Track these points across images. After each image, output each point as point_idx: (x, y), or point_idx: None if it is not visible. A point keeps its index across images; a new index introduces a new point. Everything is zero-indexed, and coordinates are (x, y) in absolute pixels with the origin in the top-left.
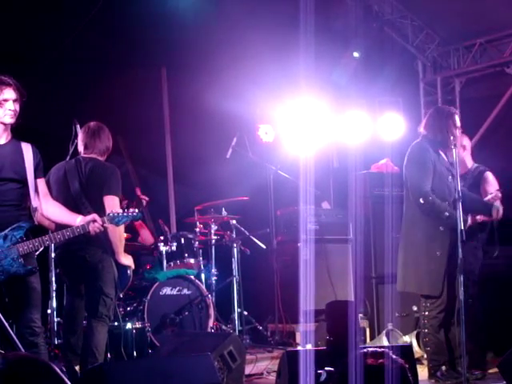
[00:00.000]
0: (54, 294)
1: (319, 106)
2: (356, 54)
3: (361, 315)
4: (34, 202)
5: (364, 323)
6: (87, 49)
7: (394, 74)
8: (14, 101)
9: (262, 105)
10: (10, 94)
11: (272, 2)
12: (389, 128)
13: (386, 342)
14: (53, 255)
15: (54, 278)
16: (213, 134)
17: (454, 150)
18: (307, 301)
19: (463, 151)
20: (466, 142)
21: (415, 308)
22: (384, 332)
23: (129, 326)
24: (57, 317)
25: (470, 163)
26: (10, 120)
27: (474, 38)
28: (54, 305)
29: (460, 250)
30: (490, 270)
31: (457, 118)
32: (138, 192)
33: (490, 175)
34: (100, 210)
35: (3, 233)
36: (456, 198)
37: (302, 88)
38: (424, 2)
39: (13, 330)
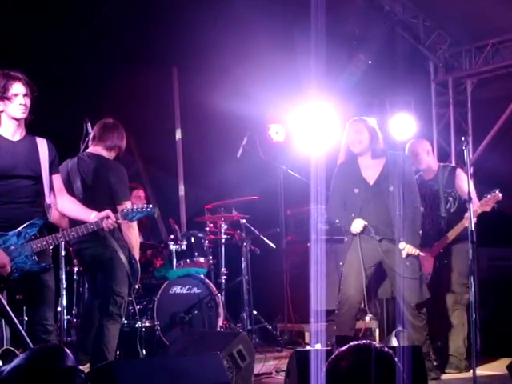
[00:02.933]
0: (64, 292)
1: (330, 105)
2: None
3: (370, 315)
4: (49, 199)
5: (373, 324)
6: (98, 48)
7: (405, 74)
8: (24, 95)
9: (273, 104)
10: (19, 88)
11: (283, 2)
12: (400, 128)
13: (395, 343)
14: (63, 253)
15: (64, 276)
16: (223, 134)
17: (465, 151)
18: (317, 300)
19: (427, 156)
20: (429, 146)
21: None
22: (393, 333)
23: (138, 324)
24: (67, 315)
25: (435, 165)
26: (21, 115)
27: (486, 39)
28: (64, 303)
29: (471, 251)
30: (500, 271)
31: (349, 127)
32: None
33: (461, 172)
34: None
35: (17, 230)
36: (467, 199)
37: (312, 87)
38: (436, 3)
39: (23, 328)
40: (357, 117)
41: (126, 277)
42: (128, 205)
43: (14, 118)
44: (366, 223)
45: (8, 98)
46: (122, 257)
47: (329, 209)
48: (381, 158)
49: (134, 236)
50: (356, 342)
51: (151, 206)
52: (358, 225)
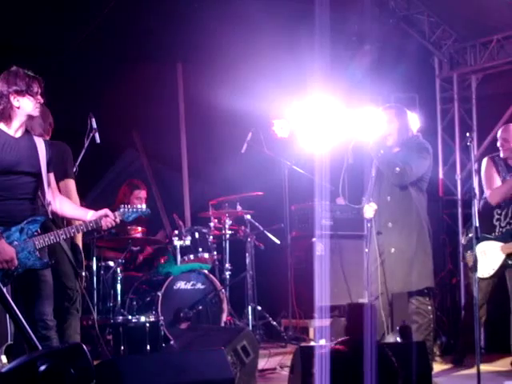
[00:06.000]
0: None
1: (334, 101)
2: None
3: None
4: (48, 196)
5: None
6: (103, 44)
7: (410, 70)
8: (41, 94)
9: (277, 100)
10: (38, 87)
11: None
12: (413, 124)
13: (398, 339)
14: None
15: None
16: (228, 130)
17: (469, 146)
18: (322, 296)
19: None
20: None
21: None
22: (397, 328)
23: (142, 319)
24: None
25: None
26: (38, 113)
27: (491, 35)
28: None
29: (475, 248)
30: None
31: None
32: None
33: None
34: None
35: (19, 226)
36: (472, 195)
37: (317, 83)
38: None
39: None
40: (388, 104)
41: (73, 268)
42: (73, 183)
43: (29, 115)
44: (376, 207)
45: (32, 95)
46: (66, 248)
47: None
48: (398, 146)
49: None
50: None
51: (144, 206)
52: (367, 210)
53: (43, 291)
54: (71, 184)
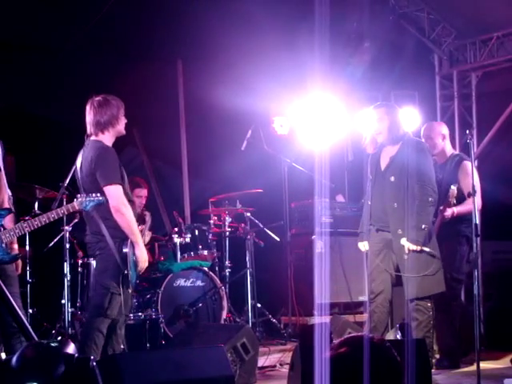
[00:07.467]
0: (69, 284)
1: (334, 99)
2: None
3: None
4: (9, 191)
5: None
6: (103, 41)
7: (410, 68)
8: None
9: (277, 98)
10: None
11: None
12: (404, 121)
13: (398, 336)
14: (67, 246)
15: (68, 269)
16: (228, 127)
17: (469, 144)
18: (321, 294)
19: (443, 140)
20: (445, 130)
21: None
22: (397, 326)
23: (142, 316)
24: (71, 307)
25: (449, 151)
26: None
27: (490, 32)
28: (68, 295)
29: (475, 245)
30: (504, 265)
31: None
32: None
33: (467, 165)
34: None
35: None
36: (471, 192)
37: (316, 81)
38: None
39: (28, 320)
40: (379, 102)
41: (116, 269)
42: (116, 188)
43: None
44: (367, 248)
45: None
46: (112, 246)
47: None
48: (396, 145)
49: (126, 219)
50: (352, 334)
51: (99, 195)
52: (361, 247)
53: (14, 287)
54: (119, 189)
